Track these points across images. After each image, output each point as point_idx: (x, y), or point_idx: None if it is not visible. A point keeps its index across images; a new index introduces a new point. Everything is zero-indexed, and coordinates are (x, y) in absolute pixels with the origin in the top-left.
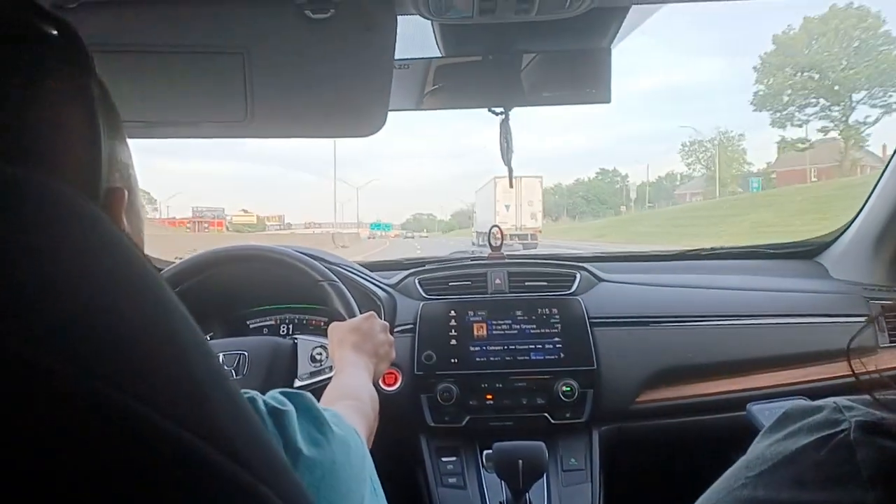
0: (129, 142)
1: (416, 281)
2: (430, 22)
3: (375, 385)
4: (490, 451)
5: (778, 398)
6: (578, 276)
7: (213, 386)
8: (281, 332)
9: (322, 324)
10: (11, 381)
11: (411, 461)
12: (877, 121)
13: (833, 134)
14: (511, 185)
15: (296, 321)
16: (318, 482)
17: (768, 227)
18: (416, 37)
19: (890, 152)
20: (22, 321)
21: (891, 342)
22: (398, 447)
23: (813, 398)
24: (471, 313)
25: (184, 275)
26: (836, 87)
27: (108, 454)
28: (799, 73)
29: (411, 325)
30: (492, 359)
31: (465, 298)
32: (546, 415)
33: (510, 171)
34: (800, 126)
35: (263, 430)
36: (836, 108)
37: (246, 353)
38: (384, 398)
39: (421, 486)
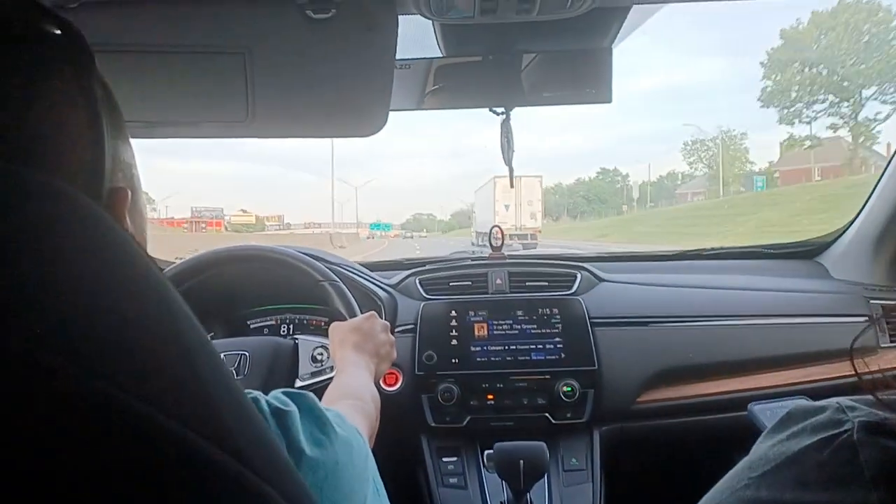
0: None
1: (417, 281)
2: (430, 22)
3: (376, 385)
4: (491, 451)
5: (779, 398)
6: (579, 276)
7: (218, 386)
8: (281, 333)
9: (323, 324)
10: (14, 380)
11: (412, 461)
12: (887, 117)
13: (842, 131)
14: (512, 185)
15: (296, 321)
16: (321, 482)
17: (773, 226)
18: (417, 37)
19: (893, 151)
20: (25, 320)
21: (891, 342)
22: (399, 447)
23: (813, 398)
24: (471, 313)
25: (185, 275)
26: (846, 83)
27: (111, 454)
28: (807, 69)
29: (412, 326)
30: (493, 359)
31: (466, 298)
32: (547, 415)
33: (511, 170)
34: (808, 123)
35: (267, 429)
36: (846, 104)
37: (247, 354)
38: (385, 398)
39: (422, 486)
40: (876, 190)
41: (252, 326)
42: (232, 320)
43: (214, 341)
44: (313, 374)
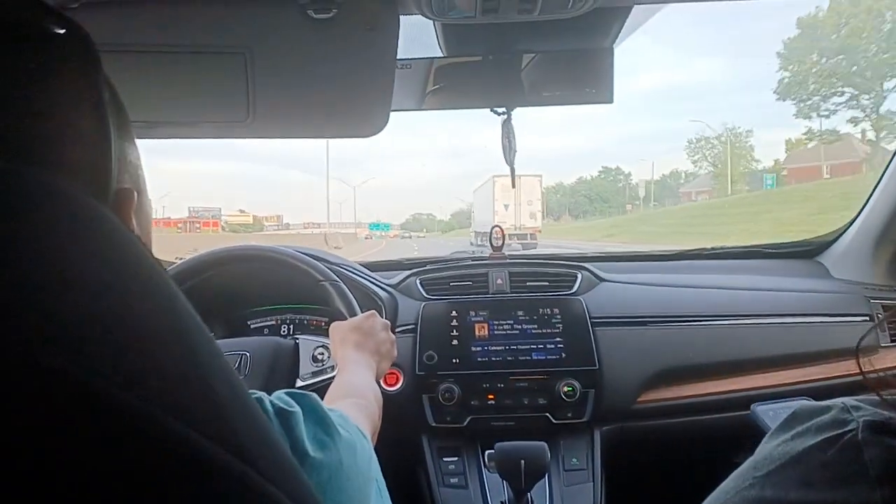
0: None
1: (418, 281)
2: (431, 22)
3: (377, 384)
4: (492, 450)
5: (780, 398)
6: (580, 276)
7: (222, 386)
8: (282, 333)
9: (323, 324)
10: (19, 380)
11: (413, 461)
12: None
13: (863, 125)
14: (514, 185)
15: (297, 321)
16: (325, 484)
17: (793, 224)
18: (417, 37)
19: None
20: (30, 321)
21: (892, 342)
22: (400, 447)
23: (814, 398)
24: (472, 313)
25: (185, 275)
26: (868, 74)
27: (113, 453)
28: (825, 59)
29: (413, 326)
30: (493, 359)
31: (467, 298)
32: (548, 415)
33: (512, 170)
34: (826, 117)
35: (271, 429)
36: (866, 96)
37: (248, 354)
38: (386, 398)
39: (423, 486)
40: (876, 190)
41: (252, 326)
42: (232, 320)
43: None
44: (314, 374)
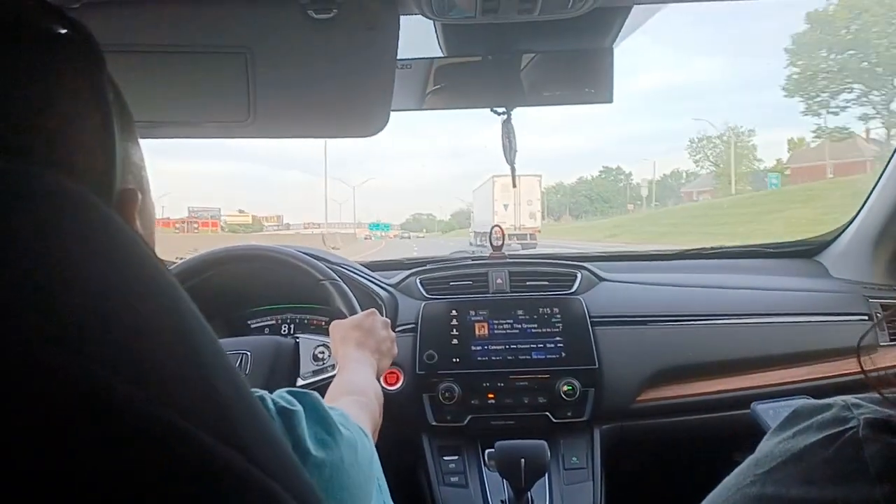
0: None
1: (418, 281)
2: (431, 22)
3: (378, 381)
4: (492, 449)
5: (779, 397)
6: (579, 275)
7: (226, 386)
8: (282, 332)
9: (323, 323)
10: (20, 380)
11: (413, 460)
12: None
13: (872, 122)
14: (514, 185)
15: (297, 321)
16: (326, 482)
17: (806, 223)
18: (418, 37)
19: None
20: (31, 320)
21: (891, 341)
22: (400, 447)
23: (814, 397)
24: (472, 313)
25: (186, 274)
26: (879, 69)
27: (118, 451)
28: (834, 55)
29: (413, 325)
30: (493, 358)
31: (467, 298)
32: (547, 414)
33: (513, 170)
34: (836, 114)
35: (274, 428)
36: (877, 93)
37: (248, 353)
38: (386, 398)
39: (423, 485)
40: (875, 189)
41: (253, 326)
42: (233, 320)
43: None
44: (315, 373)
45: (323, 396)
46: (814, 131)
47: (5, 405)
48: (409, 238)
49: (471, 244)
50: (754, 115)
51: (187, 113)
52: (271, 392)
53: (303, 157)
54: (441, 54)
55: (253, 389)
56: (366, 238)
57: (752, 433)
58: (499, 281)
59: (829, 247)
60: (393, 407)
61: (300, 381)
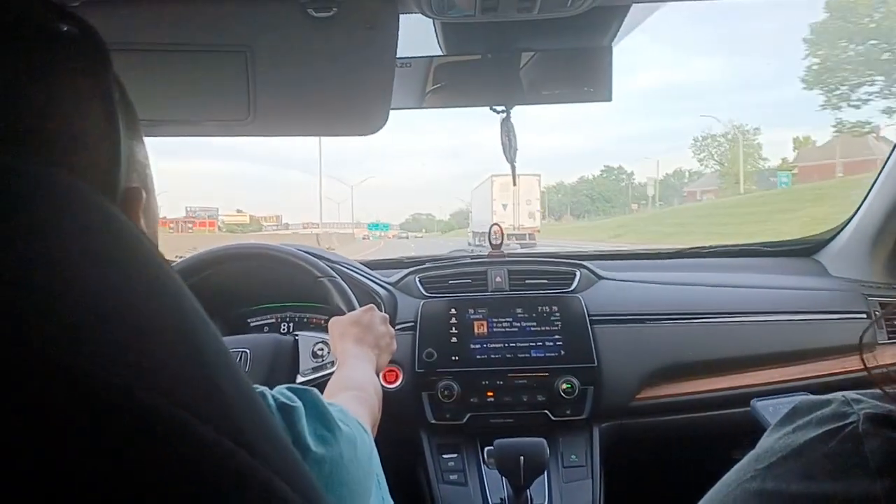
0: None
1: (417, 279)
2: (431, 20)
3: (377, 377)
4: (491, 447)
5: (779, 394)
6: (578, 273)
7: (229, 384)
8: (281, 330)
9: (323, 322)
10: (20, 379)
11: (413, 458)
12: None
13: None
14: (515, 183)
15: (296, 319)
16: (326, 478)
17: (826, 223)
18: (417, 35)
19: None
20: (32, 319)
21: (889, 339)
22: (399, 445)
23: (813, 394)
24: (471, 311)
25: (186, 273)
26: None
27: (120, 448)
28: (855, 45)
29: (412, 323)
30: (492, 356)
31: (466, 296)
32: (546, 412)
33: (513, 168)
34: (857, 107)
35: (275, 423)
36: None
37: (248, 351)
38: (385, 396)
39: (422, 483)
40: (873, 188)
41: (252, 324)
42: (232, 318)
43: None
44: (314, 370)
45: (322, 393)
46: (834, 125)
47: (5, 405)
48: (407, 238)
49: (469, 244)
50: (754, 115)
51: (187, 111)
52: (271, 389)
53: (303, 158)
54: (440, 53)
55: (254, 386)
56: (364, 238)
57: (751, 431)
58: (498, 279)
59: (827, 245)
60: (392, 405)
61: (300, 379)
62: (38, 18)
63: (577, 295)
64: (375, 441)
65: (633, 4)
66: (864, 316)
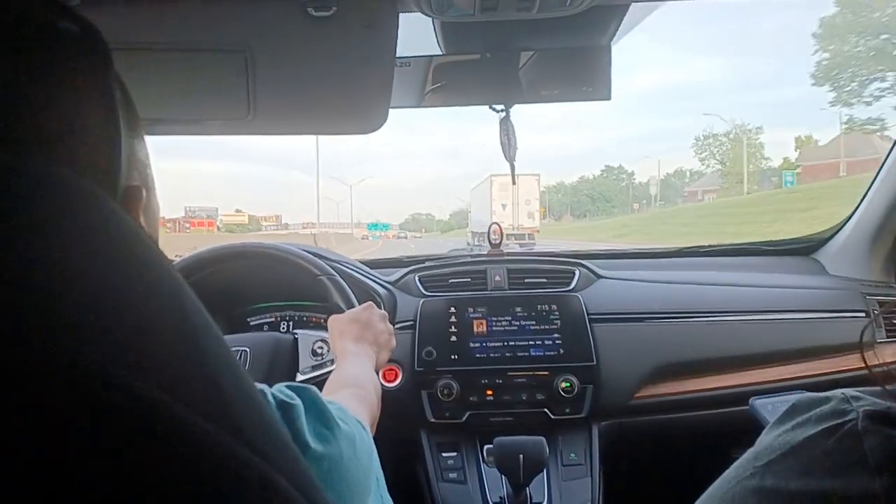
0: None
1: (416, 278)
2: (430, 20)
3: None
4: (491, 445)
5: (777, 393)
6: (577, 272)
7: (230, 383)
8: (281, 329)
9: (322, 320)
10: (20, 379)
11: (412, 457)
12: None
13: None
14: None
15: (296, 318)
16: (325, 475)
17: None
18: (416, 35)
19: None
20: (31, 318)
21: (888, 338)
22: (399, 443)
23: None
24: (471, 310)
25: (186, 271)
26: None
27: (121, 445)
28: (865, 40)
29: (411, 322)
30: (492, 355)
31: (465, 295)
32: (546, 410)
33: (512, 167)
34: (868, 104)
35: (275, 419)
36: None
37: (247, 349)
38: (385, 394)
39: (422, 481)
40: (872, 187)
41: (252, 323)
42: (232, 317)
43: None
44: (314, 368)
45: (322, 391)
46: (845, 122)
47: (6, 404)
48: (406, 238)
49: (468, 244)
50: (754, 115)
51: (188, 110)
52: (271, 387)
53: (304, 159)
54: (440, 52)
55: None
56: (363, 238)
57: (750, 429)
58: (497, 278)
59: (826, 244)
60: (391, 404)
61: (299, 377)
62: (38, 17)
63: (576, 294)
64: (375, 439)
65: (632, 4)
66: (863, 314)
